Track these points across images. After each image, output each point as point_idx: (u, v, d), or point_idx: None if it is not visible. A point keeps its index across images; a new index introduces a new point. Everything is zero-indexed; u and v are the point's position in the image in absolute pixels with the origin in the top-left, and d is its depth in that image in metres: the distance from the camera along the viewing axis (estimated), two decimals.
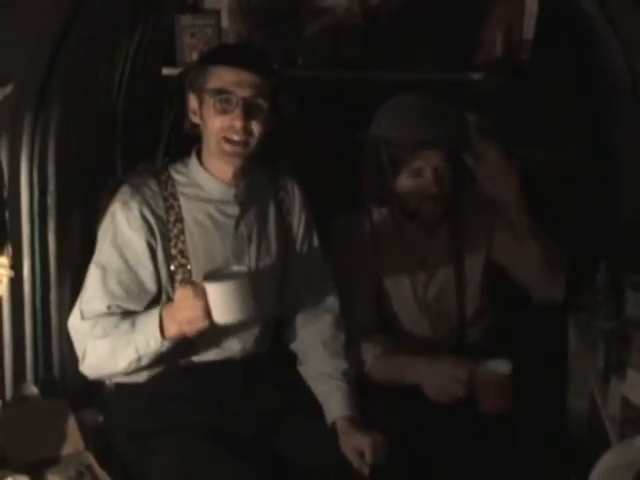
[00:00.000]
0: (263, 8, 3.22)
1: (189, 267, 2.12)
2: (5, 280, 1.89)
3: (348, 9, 3.23)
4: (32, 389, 2.23)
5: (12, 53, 1.91)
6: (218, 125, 2.08)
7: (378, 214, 2.44)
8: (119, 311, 2.07)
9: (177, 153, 2.31)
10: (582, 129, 3.17)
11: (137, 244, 2.09)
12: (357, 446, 2.09)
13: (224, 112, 2.07)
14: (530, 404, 2.22)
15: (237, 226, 2.18)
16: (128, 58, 2.90)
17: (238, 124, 2.06)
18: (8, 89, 1.81)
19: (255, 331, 2.22)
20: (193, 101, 2.14)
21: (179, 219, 2.13)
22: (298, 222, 2.31)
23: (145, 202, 2.11)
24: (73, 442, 2.07)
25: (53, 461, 2.01)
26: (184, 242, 2.13)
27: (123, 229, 2.09)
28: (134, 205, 2.10)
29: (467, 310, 2.46)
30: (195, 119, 2.15)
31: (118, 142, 2.95)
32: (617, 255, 2.42)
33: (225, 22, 3.24)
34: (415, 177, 2.32)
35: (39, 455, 2.01)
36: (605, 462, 1.63)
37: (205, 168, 2.17)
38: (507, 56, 3.22)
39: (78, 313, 2.10)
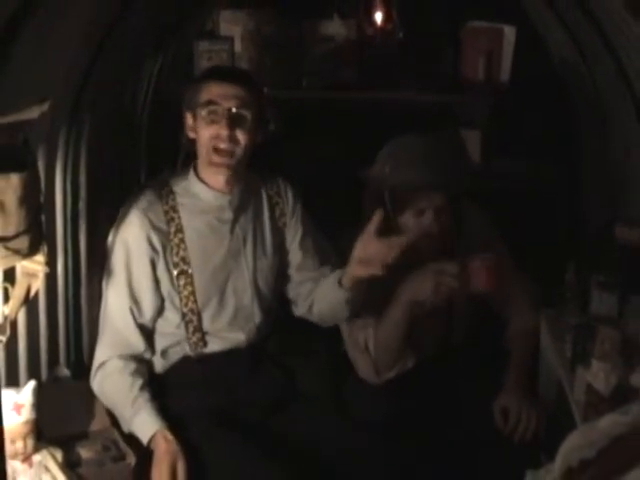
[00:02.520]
0: (272, 36, 3.24)
1: (190, 271, 2.13)
2: (41, 276, 1.88)
3: (347, 37, 3.25)
4: (64, 372, 2.23)
5: (49, 74, 1.91)
6: (208, 135, 2.08)
7: None
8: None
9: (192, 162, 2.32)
10: (552, 145, 3.18)
11: (143, 273, 2.11)
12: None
13: (212, 122, 2.07)
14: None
15: (232, 229, 2.18)
16: (152, 78, 2.91)
17: (224, 132, 2.06)
18: (45, 106, 1.81)
19: (256, 322, 2.22)
20: (189, 118, 2.14)
21: (179, 229, 2.13)
22: (293, 220, 2.28)
23: (147, 219, 2.11)
24: (100, 419, 2.07)
25: (82, 436, 2.01)
26: (185, 250, 2.13)
27: (132, 268, 2.11)
28: (139, 231, 2.10)
29: (454, 326, 2.39)
30: (192, 134, 2.15)
31: (142, 153, 2.96)
32: (584, 257, 2.42)
33: (238, 47, 3.27)
34: (417, 217, 2.21)
35: (70, 430, 2.00)
36: (571, 441, 1.62)
37: (201, 179, 2.17)
38: (488, 79, 3.24)
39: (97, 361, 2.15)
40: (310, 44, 3.25)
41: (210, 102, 2.07)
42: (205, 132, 2.09)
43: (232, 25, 3.26)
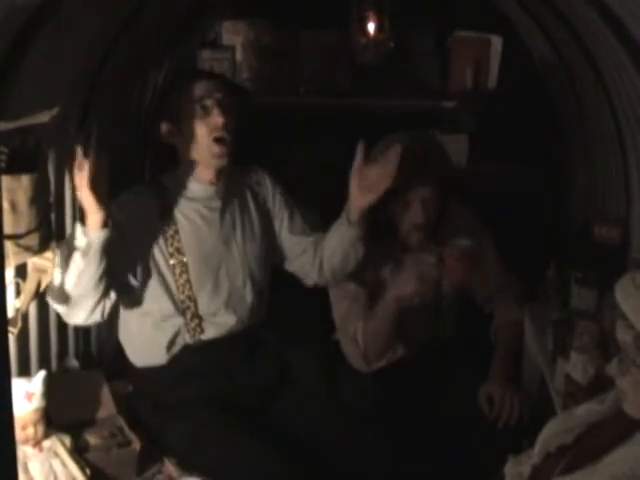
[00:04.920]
0: (270, 45, 3.26)
1: (185, 260, 2.14)
2: (50, 271, 1.90)
3: (342, 47, 3.26)
4: (73, 362, 2.25)
5: (59, 82, 1.93)
6: (205, 128, 2.11)
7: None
8: None
9: None
10: (537, 147, 3.19)
11: (137, 231, 2.10)
12: None
13: (206, 114, 2.11)
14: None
15: (222, 217, 2.19)
16: (156, 86, 2.91)
17: (219, 120, 2.10)
18: (55, 111, 1.83)
19: (249, 304, 2.21)
20: (165, 127, 2.15)
21: (173, 222, 2.15)
22: (276, 206, 2.31)
23: (143, 207, 2.13)
24: (107, 407, 2.08)
25: (90, 423, 2.02)
26: (179, 241, 2.14)
27: (127, 227, 2.07)
28: (134, 208, 2.12)
29: (442, 318, 2.40)
30: (172, 140, 2.16)
31: (147, 157, 2.96)
32: (565, 255, 2.43)
33: (239, 56, 3.28)
34: (404, 208, 2.24)
35: (78, 417, 2.02)
36: (550, 428, 1.64)
37: (189, 175, 2.18)
38: (475, 86, 3.25)
39: None
40: (307, 53, 3.26)
41: (201, 97, 2.11)
42: (201, 126, 2.11)
43: (233, 35, 3.27)
